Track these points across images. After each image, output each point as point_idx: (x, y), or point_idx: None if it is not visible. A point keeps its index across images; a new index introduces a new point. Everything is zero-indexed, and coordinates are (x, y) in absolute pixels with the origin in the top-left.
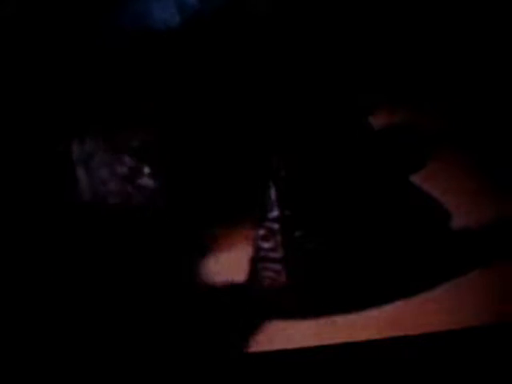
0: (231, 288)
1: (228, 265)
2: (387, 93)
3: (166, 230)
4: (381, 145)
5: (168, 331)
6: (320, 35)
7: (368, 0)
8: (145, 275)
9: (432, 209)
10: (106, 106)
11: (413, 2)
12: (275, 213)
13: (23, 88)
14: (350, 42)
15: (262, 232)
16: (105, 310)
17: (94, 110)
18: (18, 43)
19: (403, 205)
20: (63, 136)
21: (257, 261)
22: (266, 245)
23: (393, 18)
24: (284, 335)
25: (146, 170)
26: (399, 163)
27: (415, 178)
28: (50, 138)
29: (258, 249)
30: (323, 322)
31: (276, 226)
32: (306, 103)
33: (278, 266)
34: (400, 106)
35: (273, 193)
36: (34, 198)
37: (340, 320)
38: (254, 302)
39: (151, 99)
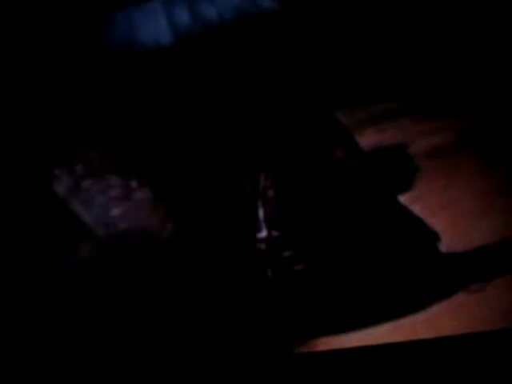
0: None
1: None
2: (376, 111)
3: (178, 241)
4: (369, 165)
5: (187, 341)
6: (309, 57)
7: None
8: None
9: (420, 230)
10: (86, 129)
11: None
12: (263, 233)
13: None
14: (341, 60)
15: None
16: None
17: (76, 136)
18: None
19: (391, 226)
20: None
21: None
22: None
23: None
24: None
25: (134, 184)
26: (387, 183)
27: (403, 199)
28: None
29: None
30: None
31: (263, 246)
32: (294, 123)
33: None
34: (388, 124)
35: (261, 213)
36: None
37: (326, 339)
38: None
39: (138, 118)
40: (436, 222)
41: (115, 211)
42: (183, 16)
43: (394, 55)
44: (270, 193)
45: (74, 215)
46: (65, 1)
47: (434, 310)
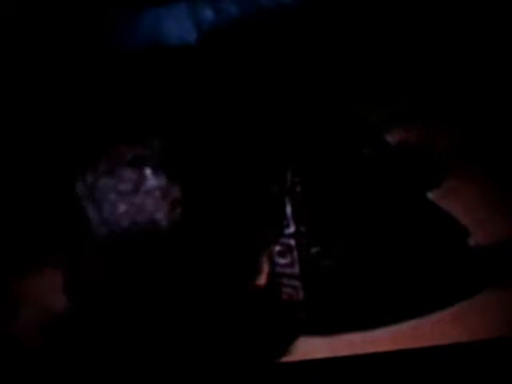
0: (250, 303)
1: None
2: (402, 109)
3: (185, 230)
4: (397, 162)
5: (187, 343)
6: (334, 51)
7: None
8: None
9: (450, 226)
10: (99, 130)
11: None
12: (291, 229)
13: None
14: (364, 59)
15: (278, 248)
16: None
17: (89, 137)
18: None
19: (420, 222)
20: (67, 176)
21: (274, 276)
22: (282, 261)
23: (405, 34)
24: (299, 350)
25: (148, 172)
26: (416, 180)
27: (432, 196)
28: (56, 181)
29: (274, 264)
30: (338, 338)
31: (292, 241)
32: (322, 120)
33: (295, 282)
34: (415, 122)
35: (289, 209)
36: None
37: (355, 337)
38: (272, 316)
39: (159, 116)
40: (465, 219)
41: (121, 208)
42: (207, 13)
43: (421, 53)
44: (298, 189)
45: (84, 215)
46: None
47: (463, 308)
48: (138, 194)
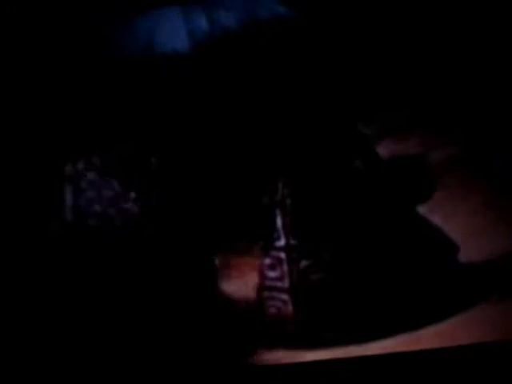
0: (237, 316)
1: (234, 293)
2: (395, 122)
3: (152, 254)
4: (388, 174)
5: (177, 354)
6: (328, 62)
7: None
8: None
9: (439, 240)
10: (102, 125)
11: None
12: (282, 242)
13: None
14: (358, 72)
15: (268, 261)
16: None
17: (92, 129)
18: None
19: (410, 235)
20: (59, 154)
21: (263, 290)
22: (272, 274)
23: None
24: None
25: (133, 195)
26: (406, 193)
27: (422, 209)
28: (47, 156)
29: (264, 278)
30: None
31: (283, 255)
32: (313, 132)
33: (284, 296)
34: (408, 134)
35: (279, 221)
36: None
37: (341, 352)
38: (260, 330)
39: (153, 121)
40: (455, 232)
41: (96, 208)
42: (201, 23)
43: (416, 64)
44: (288, 201)
45: (60, 195)
46: (83, 5)
47: (454, 320)
48: (113, 208)
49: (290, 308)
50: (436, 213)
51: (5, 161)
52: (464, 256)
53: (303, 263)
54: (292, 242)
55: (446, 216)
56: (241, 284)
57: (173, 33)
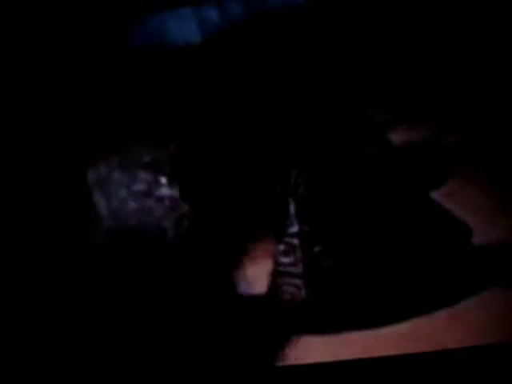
0: (251, 302)
1: (249, 279)
2: (407, 108)
3: (190, 242)
4: (401, 161)
5: (191, 343)
6: (340, 51)
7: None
8: (170, 289)
9: (453, 226)
10: (116, 124)
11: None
12: (295, 228)
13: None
14: (370, 59)
15: (282, 247)
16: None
17: (105, 129)
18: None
19: (423, 222)
20: (78, 162)
21: (277, 275)
22: (286, 260)
23: (413, 34)
24: (301, 350)
25: (163, 180)
26: (419, 180)
27: (436, 195)
28: (65, 165)
29: (278, 264)
30: (340, 337)
31: (295, 241)
32: (324, 120)
33: (297, 281)
34: (420, 121)
35: (292, 208)
36: (52, 229)
37: (356, 336)
38: (274, 316)
39: (167, 115)
40: (469, 219)
41: (131, 206)
42: (212, 14)
43: (430, 51)
44: (301, 189)
45: (93, 203)
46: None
47: (464, 306)
48: (150, 198)
49: (303, 293)
50: (449, 200)
51: (27, 178)
52: (478, 240)
53: (316, 249)
54: (305, 228)
55: (459, 203)
56: (255, 271)
57: (184, 25)
